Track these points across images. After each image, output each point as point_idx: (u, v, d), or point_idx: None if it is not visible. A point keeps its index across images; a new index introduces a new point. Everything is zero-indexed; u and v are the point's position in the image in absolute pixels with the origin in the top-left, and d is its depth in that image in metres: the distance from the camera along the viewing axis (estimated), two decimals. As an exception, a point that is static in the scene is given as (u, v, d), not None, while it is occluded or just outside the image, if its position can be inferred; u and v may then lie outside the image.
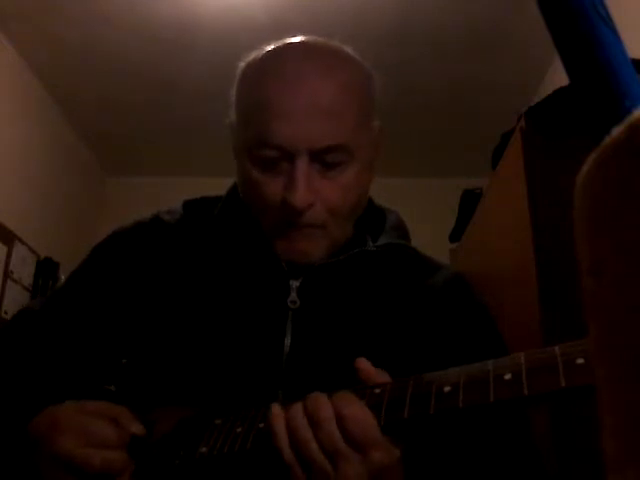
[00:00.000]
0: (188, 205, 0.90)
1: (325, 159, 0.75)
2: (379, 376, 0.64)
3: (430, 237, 2.14)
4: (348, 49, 0.82)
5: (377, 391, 0.61)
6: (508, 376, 0.55)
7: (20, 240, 2.92)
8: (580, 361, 0.51)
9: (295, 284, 0.79)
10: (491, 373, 0.56)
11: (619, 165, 0.20)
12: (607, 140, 0.21)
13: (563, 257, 1.24)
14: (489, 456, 0.73)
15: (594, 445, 0.24)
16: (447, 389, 0.58)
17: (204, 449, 0.66)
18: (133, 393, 0.75)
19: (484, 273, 1.77)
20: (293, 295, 0.79)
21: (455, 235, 2.29)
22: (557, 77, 2.55)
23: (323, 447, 0.58)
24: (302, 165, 0.74)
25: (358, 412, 0.59)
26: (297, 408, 0.61)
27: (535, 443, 0.79)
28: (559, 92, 1.42)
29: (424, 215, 3.07)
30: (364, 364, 0.65)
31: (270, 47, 0.81)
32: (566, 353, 0.53)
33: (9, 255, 2.82)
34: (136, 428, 0.69)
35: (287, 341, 0.76)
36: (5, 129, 2.83)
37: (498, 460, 0.73)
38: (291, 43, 0.81)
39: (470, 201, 2.11)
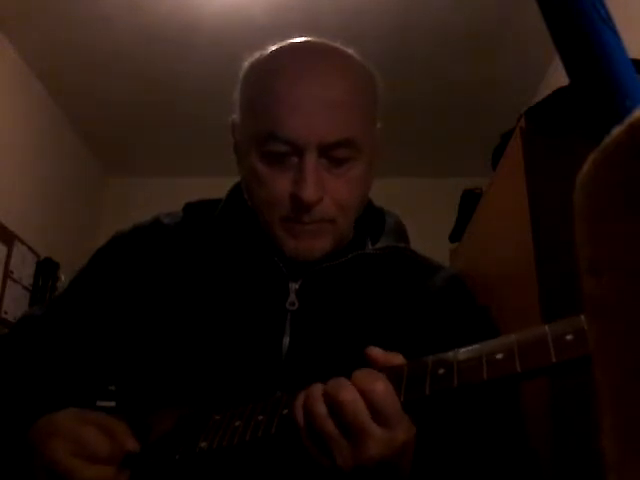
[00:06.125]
0: (189, 208, 0.90)
1: (333, 155, 0.75)
2: (394, 358, 0.63)
3: (430, 237, 2.14)
4: (352, 52, 0.83)
5: (395, 370, 0.61)
6: (500, 355, 0.56)
7: (20, 240, 2.91)
8: (569, 337, 0.52)
9: (294, 286, 0.80)
10: (483, 353, 0.57)
11: (619, 165, 0.20)
12: (607, 140, 0.21)
13: (563, 257, 1.24)
14: (480, 443, 0.73)
15: (594, 439, 0.24)
16: (441, 371, 0.58)
17: (204, 444, 0.66)
18: (134, 394, 0.75)
19: (484, 273, 1.76)
20: (292, 297, 0.79)
21: (455, 235, 2.29)
22: (557, 77, 2.55)
23: (347, 424, 0.57)
24: (311, 159, 0.74)
25: (384, 387, 0.58)
26: (317, 388, 0.60)
27: (528, 433, 0.79)
28: (559, 92, 1.42)
29: (424, 215, 3.07)
30: (375, 352, 0.63)
31: (275, 47, 0.81)
32: (555, 330, 0.54)
33: (9, 255, 2.82)
34: (131, 445, 0.67)
35: (285, 341, 0.77)
36: (5, 129, 2.83)
37: (489, 448, 0.73)
38: (298, 42, 0.81)
39: (470, 201, 2.10)
